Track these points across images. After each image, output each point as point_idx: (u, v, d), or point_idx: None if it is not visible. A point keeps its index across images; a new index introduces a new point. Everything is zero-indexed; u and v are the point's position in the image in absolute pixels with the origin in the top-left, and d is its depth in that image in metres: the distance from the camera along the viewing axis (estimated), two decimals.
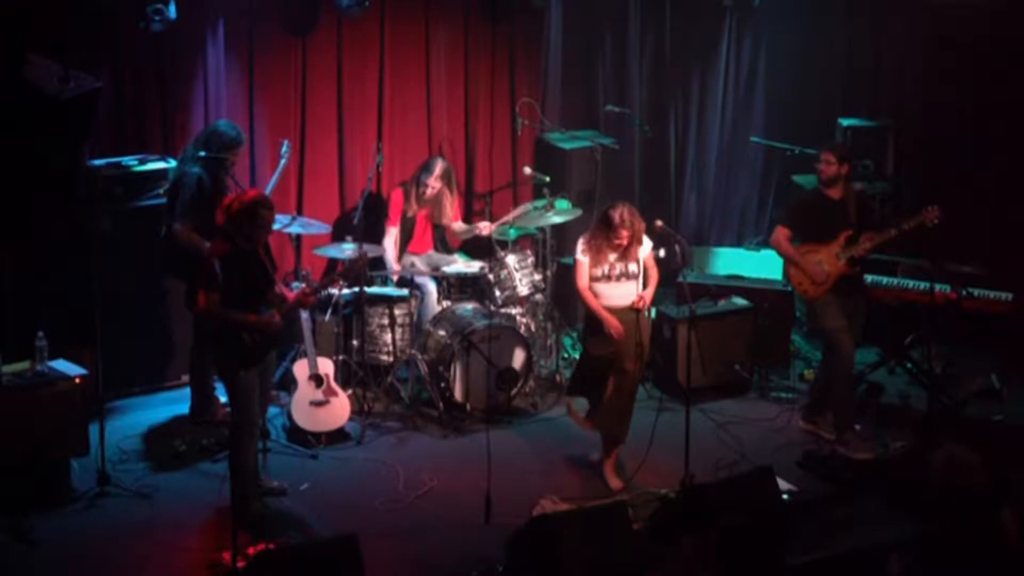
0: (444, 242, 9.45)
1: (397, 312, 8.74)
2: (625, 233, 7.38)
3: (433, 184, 9.08)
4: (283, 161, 8.80)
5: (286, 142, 8.85)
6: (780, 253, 8.27)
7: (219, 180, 7.98)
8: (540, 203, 9.24)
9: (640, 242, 7.51)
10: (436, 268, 9.11)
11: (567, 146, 9.98)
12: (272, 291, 6.91)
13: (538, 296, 9.05)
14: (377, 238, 9.14)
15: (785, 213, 8.60)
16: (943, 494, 4.60)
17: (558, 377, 9.01)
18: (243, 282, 6.75)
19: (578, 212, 9.31)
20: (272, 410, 8.08)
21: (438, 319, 8.73)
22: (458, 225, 9.43)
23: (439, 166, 9.12)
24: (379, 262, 8.96)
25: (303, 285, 8.18)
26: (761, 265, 10.22)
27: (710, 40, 10.89)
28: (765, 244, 10.59)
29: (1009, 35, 9.73)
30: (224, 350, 6.85)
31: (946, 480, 4.59)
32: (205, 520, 6.89)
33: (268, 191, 8.68)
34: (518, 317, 8.85)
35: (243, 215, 6.72)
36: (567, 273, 9.80)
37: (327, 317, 8.54)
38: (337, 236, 9.18)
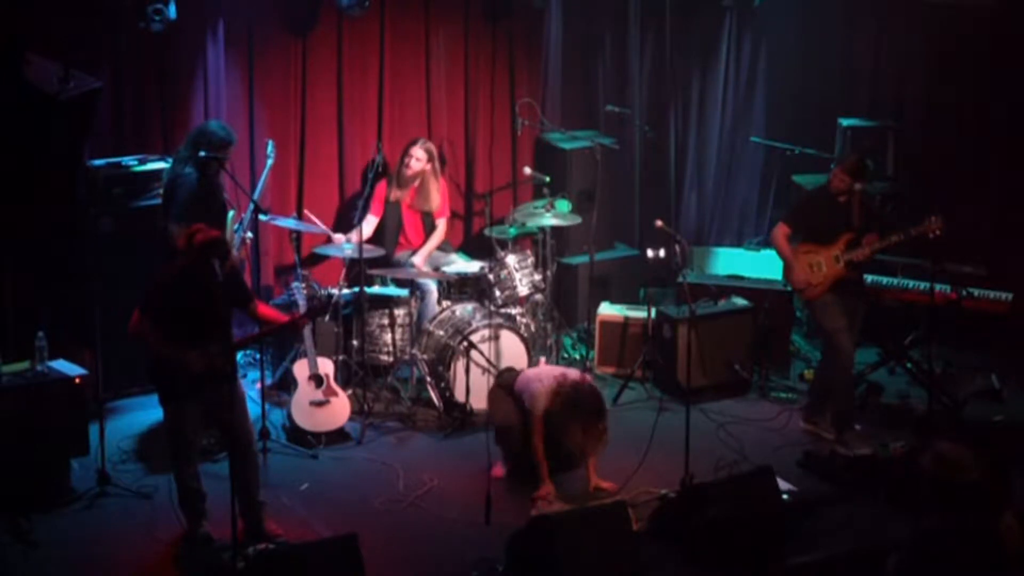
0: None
1: (397, 312, 8.74)
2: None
3: (417, 155, 9.03)
4: (269, 161, 8.78)
5: (271, 142, 8.83)
6: (776, 250, 8.28)
7: (212, 180, 7.98)
8: (540, 203, 9.24)
9: None
10: (436, 268, 9.11)
11: (567, 146, 9.98)
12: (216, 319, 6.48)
13: (538, 296, 9.05)
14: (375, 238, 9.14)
15: (789, 210, 8.59)
16: (933, 491, 4.58)
17: None
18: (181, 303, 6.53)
19: (576, 219, 9.28)
20: (272, 410, 8.09)
21: (438, 319, 8.73)
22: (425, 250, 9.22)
23: (420, 142, 9.09)
24: (378, 261, 8.95)
25: (303, 285, 8.23)
26: (761, 265, 10.22)
27: (710, 40, 10.89)
28: (765, 244, 10.60)
29: (1009, 35, 9.72)
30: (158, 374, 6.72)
31: (935, 477, 4.58)
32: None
33: (258, 191, 8.66)
34: (518, 317, 8.85)
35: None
36: (567, 273, 9.85)
37: (327, 317, 8.53)
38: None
